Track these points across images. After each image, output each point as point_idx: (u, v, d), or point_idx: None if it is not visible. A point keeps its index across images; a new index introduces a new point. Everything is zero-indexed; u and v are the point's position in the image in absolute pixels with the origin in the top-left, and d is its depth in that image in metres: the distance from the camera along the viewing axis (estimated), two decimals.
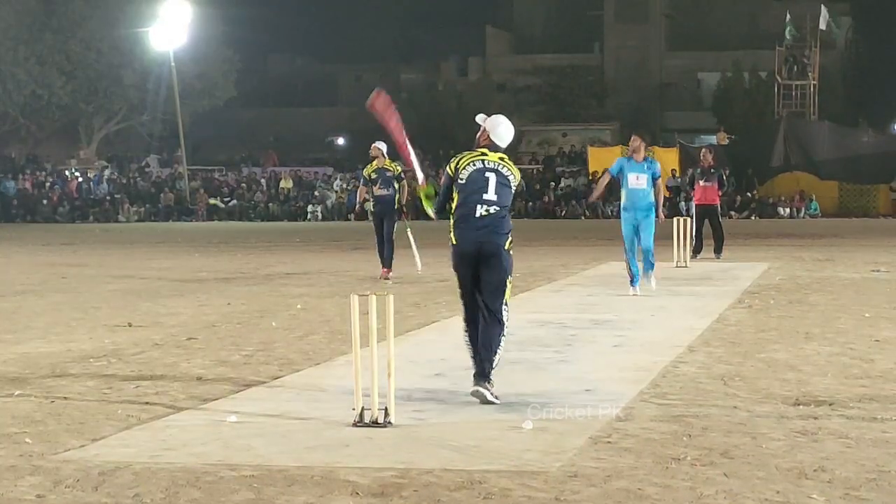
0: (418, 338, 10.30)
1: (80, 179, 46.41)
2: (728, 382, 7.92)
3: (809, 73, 47.24)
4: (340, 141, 57.56)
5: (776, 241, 25.32)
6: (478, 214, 7.40)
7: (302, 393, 7.73)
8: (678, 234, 17.57)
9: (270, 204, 43.72)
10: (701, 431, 6.40)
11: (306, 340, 10.28)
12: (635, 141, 13.90)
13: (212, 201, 44.21)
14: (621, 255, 14.26)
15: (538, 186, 42.59)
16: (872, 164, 39.86)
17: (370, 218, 16.87)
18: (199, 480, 5.52)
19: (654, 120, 54.36)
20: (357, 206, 17.37)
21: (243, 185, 45.86)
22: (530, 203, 41.13)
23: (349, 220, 39.60)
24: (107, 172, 47.11)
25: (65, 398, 7.64)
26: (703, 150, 21.89)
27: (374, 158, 16.40)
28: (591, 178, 41.55)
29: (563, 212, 40.97)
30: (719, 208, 20.50)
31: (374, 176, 16.22)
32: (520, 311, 10.73)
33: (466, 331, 7.52)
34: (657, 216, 13.83)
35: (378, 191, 16.11)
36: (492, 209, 7.41)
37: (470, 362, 7.45)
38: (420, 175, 8.44)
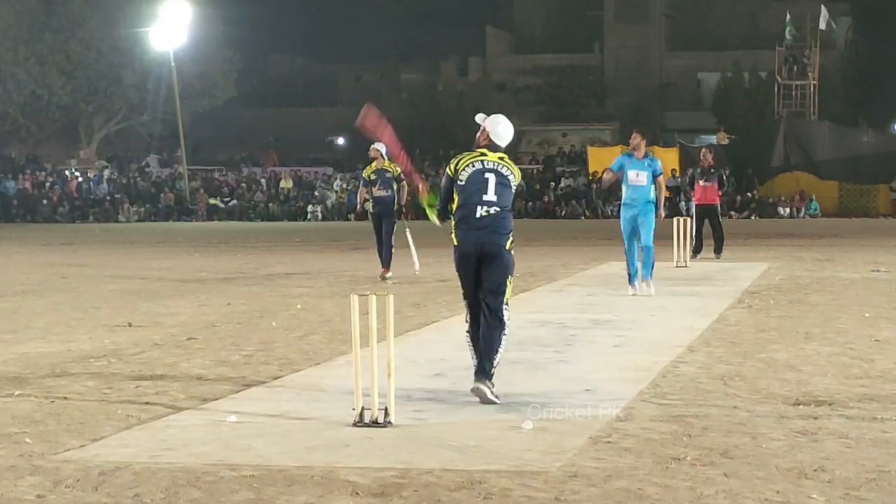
0: (418, 338, 10.30)
1: (80, 179, 46.41)
2: (728, 382, 7.92)
3: (809, 73, 47.25)
4: (340, 141, 57.57)
5: (776, 241, 25.32)
6: (478, 215, 7.40)
7: (302, 393, 7.73)
8: (678, 234, 17.57)
9: (270, 204, 43.73)
10: (701, 431, 6.40)
11: (306, 340, 10.28)
12: (636, 138, 13.88)
13: (212, 201, 44.22)
14: (621, 255, 14.26)
15: (538, 186, 42.59)
16: (872, 164, 39.87)
17: (370, 218, 16.88)
18: (199, 480, 5.52)
19: (654, 120, 54.34)
20: (358, 207, 17.38)
21: (243, 185, 45.87)
22: (530, 203, 41.12)
23: (349, 220, 39.61)
24: (107, 172, 47.11)
25: (65, 398, 7.64)
26: (703, 150, 21.89)
27: (373, 160, 16.41)
28: (591, 178, 41.57)
29: (563, 212, 40.97)
30: (719, 208, 20.51)
31: (373, 177, 16.24)
32: (520, 311, 10.73)
33: (468, 331, 7.53)
34: (657, 213, 13.81)
35: (377, 192, 16.12)
36: (492, 210, 7.41)
37: (470, 362, 7.46)
38: (421, 186, 8.41)
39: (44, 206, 44.02)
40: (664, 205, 14.17)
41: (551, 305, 12.93)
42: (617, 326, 10.91)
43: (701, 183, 19.65)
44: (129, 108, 51.16)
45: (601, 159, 37.99)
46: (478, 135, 7.71)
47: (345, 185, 43.34)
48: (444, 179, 7.73)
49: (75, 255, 23.63)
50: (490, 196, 7.42)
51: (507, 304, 7.44)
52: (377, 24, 62.68)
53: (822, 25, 47.07)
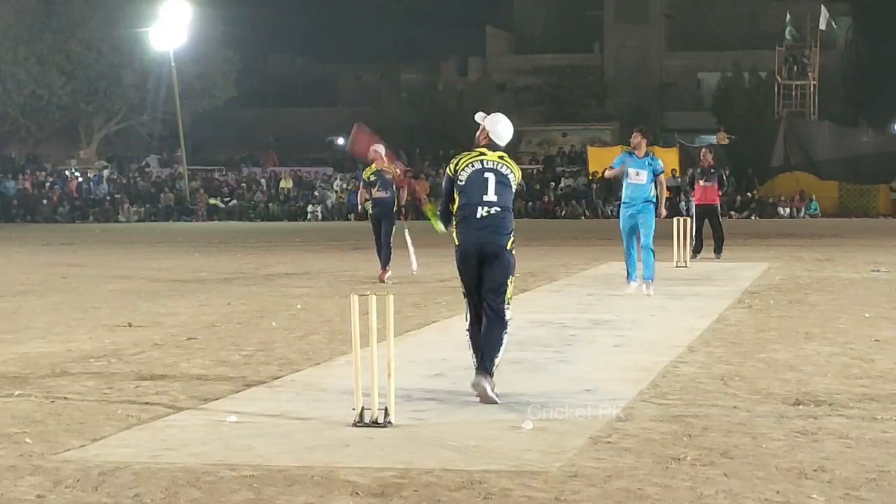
0: (418, 338, 10.30)
1: (80, 179, 46.42)
2: (728, 382, 7.91)
3: (809, 73, 47.25)
4: (340, 141, 57.49)
5: (776, 241, 25.32)
6: (479, 216, 7.40)
7: (302, 393, 7.73)
8: (678, 234, 17.57)
9: (270, 204, 43.73)
10: (701, 431, 6.40)
11: (306, 340, 10.28)
12: (636, 137, 13.88)
13: (212, 201, 44.22)
14: (621, 255, 14.26)
15: (538, 186, 42.59)
16: (872, 164, 39.88)
17: (370, 220, 16.88)
18: (199, 480, 5.52)
19: (654, 120, 54.33)
20: (359, 208, 17.41)
21: (243, 185, 45.87)
22: (530, 203, 41.13)
23: (349, 220, 39.63)
24: (107, 172, 47.11)
25: (65, 398, 7.64)
26: (703, 150, 21.90)
27: (372, 161, 16.42)
28: (590, 178, 41.59)
29: (563, 212, 40.98)
30: (719, 208, 20.51)
31: (372, 178, 16.24)
32: (520, 311, 10.73)
33: (469, 330, 7.53)
34: (658, 212, 13.80)
35: (377, 193, 16.12)
36: (492, 210, 7.41)
37: (470, 362, 7.46)
38: (423, 198, 8.42)
39: (44, 206, 44.03)
40: (664, 204, 14.16)
41: (551, 305, 12.93)
42: (617, 326, 10.91)
43: (701, 183, 19.66)
44: (129, 108, 51.17)
45: (601, 159, 37.98)
46: (477, 134, 7.71)
47: (345, 185, 43.35)
48: (444, 180, 7.74)
49: (75, 255, 23.64)
50: (490, 196, 7.42)
51: (508, 303, 7.44)
52: (377, 24, 62.68)
53: (822, 25, 47.07)
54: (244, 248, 25.42)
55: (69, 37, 48.00)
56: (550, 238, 27.22)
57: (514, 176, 7.56)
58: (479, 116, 7.78)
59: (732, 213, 37.47)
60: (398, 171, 16.66)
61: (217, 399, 7.54)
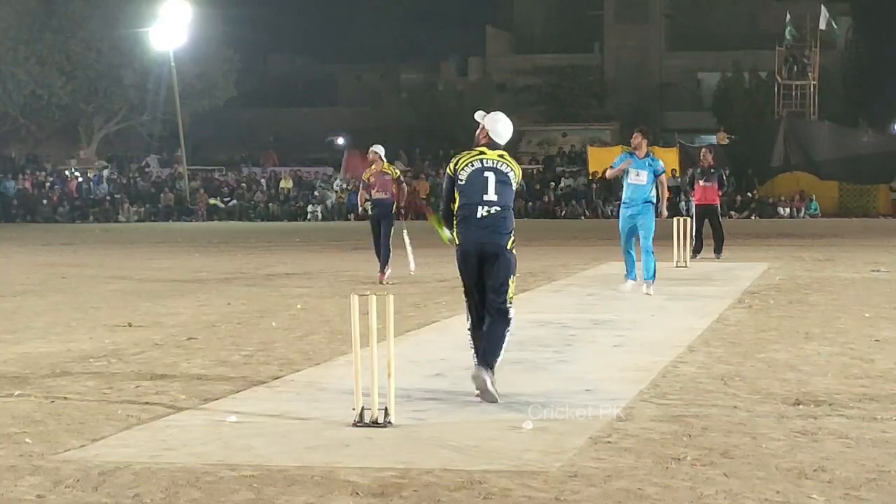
0: (418, 338, 10.30)
1: (80, 179, 46.41)
2: (728, 382, 7.91)
3: (809, 73, 47.24)
4: (340, 141, 57.57)
5: (776, 241, 25.32)
6: (479, 215, 7.41)
7: (302, 393, 7.73)
8: (678, 234, 17.57)
9: (270, 204, 43.72)
10: (701, 431, 6.40)
11: (306, 340, 10.28)
12: (637, 137, 13.88)
13: (212, 201, 44.21)
14: (621, 255, 14.25)
15: (538, 186, 42.58)
16: (872, 164, 39.86)
17: (369, 220, 16.88)
18: (199, 480, 5.52)
19: (654, 120, 54.33)
20: (359, 209, 17.42)
21: (243, 185, 45.86)
22: (530, 203, 41.12)
23: (349, 220, 39.62)
24: (107, 172, 47.10)
25: (65, 398, 7.64)
26: (703, 150, 21.90)
27: (372, 162, 16.42)
28: (590, 178, 41.58)
29: (563, 212, 40.96)
30: (719, 208, 20.52)
31: (372, 179, 16.24)
32: (520, 311, 10.67)
33: (470, 329, 7.53)
34: (658, 213, 13.79)
35: (376, 194, 16.11)
36: (493, 209, 7.41)
37: (470, 362, 7.46)
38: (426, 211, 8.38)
39: (44, 206, 44.02)
40: (664, 204, 14.15)
41: (551, 305, 12.93)
42: (617, 326, 10.92)
43: (701, 183, 19.66)
44: (129, 108, 51.16)
45: (601, 159, 38.00)
46: (477, 133, 7.71)
47: (345, 186, 43.32)
48: (444, 180, 7.74)
49: (75, 255, 23.63)
50: (490, 196, 7.42)
51: (510, 301, 7.44)
52: (377, 24, 62.67)
53: (822, 25, 47.06)
54: (244, 248, 25.42)
55: (69, 37, 48.00)
56: (550, 238, 27.22)
57: (515, 174, 7.56)
58: (478, 115, 7.78)
59: (732, 213, 37.46)
60: (398, 171, 16.67)
61: (217, 399, 7.55)
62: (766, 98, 48.96)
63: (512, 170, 7.54)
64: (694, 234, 18.94)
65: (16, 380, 8.40)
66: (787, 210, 39.34)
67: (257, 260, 21.10)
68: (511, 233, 7.45)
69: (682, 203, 33.95)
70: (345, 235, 29.65)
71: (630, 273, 13.86)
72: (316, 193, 43.94)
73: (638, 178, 13.62)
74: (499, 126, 7.65)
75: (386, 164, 16.34)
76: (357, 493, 5.26)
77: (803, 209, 39.45)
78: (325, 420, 6.79)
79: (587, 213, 40.44)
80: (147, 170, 48.69)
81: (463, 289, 7.58)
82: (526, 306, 12.13)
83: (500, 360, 7.35)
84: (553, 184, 43.02)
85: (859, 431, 6.37)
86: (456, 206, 7.51)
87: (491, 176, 7.45)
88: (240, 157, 53.13)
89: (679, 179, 36.43)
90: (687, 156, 38.00)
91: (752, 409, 6.99)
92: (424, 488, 5.33)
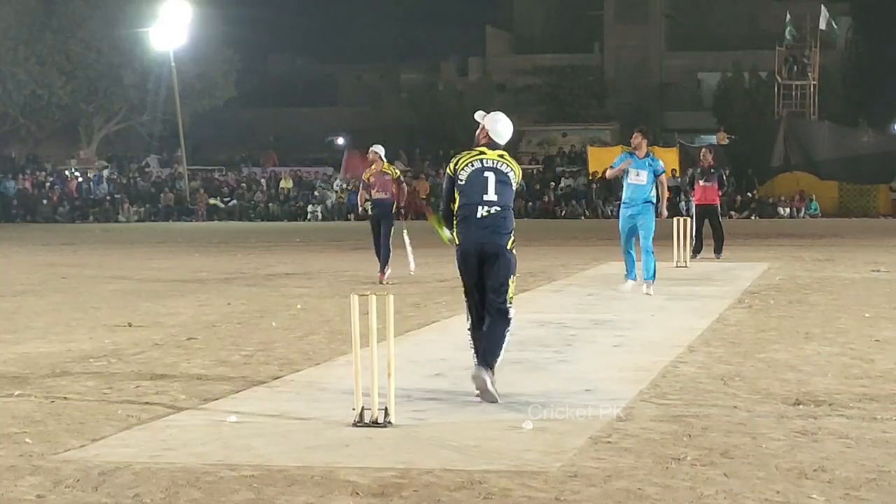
0: (418, 338, 10.30)
1: (80, 179, 46.40)
2: (728, 382, 7.91)
3: (809, 73, 47.24)
4: (340, 141, 57.57)
5: (776, 241, 25.32)
6: (479, 215, 7.41)
7: (302, 393, 7.73)
8: (678, 234, 17.57)
9: (270, 204, 43.72)
10: (701, 431, 6.40)
11: (306, 340, 10.28)
12: (637, 137, 13.88)
13: (212, 201, 44.21)
14: (621, 255, 14.26)
15: (538, 186, 42.58)
16: (872, 164, 39.86)
17: (370, 220, 16.88)
18: (199, 480, 5.52)
19: (654, 120, 54.33)
20: (359, 209, 17.43)
21: (243, 185, 45.86)
22: (530, 203, 41.13)
23: (349, 220, 39.62)
24: (107, 172, 47.10)
25: (65, 398, 7.64)
26: (703, 150, 21.90)
27: (372, 162, 16.42)
28: (590, 178, 41.58)
29: (563, 212, 40.97)
30: (719, 208, 20.52)
31: (372, 179, 16.25)
32: (520, 311, 10.68)
33: (470, 329, 7.53)
34: (658, 213, 13.79)
35: (376, 194, 16.12)
36: (493, 209, 7.41)
37: (470, 362, 7.46)
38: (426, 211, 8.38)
39: (44, 206, 44.01)
40: (665, 204, 14.14)
41: (551, 305, 12.93)
42: (617, 326, 10.92)
43: (701, 183, 19.66)
44: (129, 108, 51.15)
45: (601, 159, 38.00)
46: (477, 133, 7.71)
47: (345, 185, 43.32)
48: (444, 180, 7.74)
49: (75, 255, 23.63)
50: (490, 196, 7.42)
51: (510, 301, 7.45)
52: (377, 24, 62.68)
53: (822, 25, 47.06)
54: (244, 248, 25.42)
55: (69, 37, 47.99)
56: (550, 238, 27.21)
57: (515, 174, 7.56)
58: (478, 115, 7.78)
59: (732, 213, 37.46)
60: (398, 171, 16.68)
61: (217, 399, 7.55)
62: (766, 98, 48.95)
63: (512, 170, 7.54)
64: (694, 234, 18.94)
65: (16, 380, 8.40)
66: (787, 210, 39.34)
67: (257, 260, 21.10)
68: (511, 233, 7.45)
69: (682, 203, 33.94)
70: (345, 235, 29.65)
71: (630, 273, 13.87)
72: (316, 193, 43.94)
73: (638, 178, 13.62)
74: (499, 126, 7.65)
75: (386, 164, 16.34)
76: (357, 493, 5.26)
77: (803, 209, 39.45)
78: (325, 420, 6.79)
79: (587, 213, 40.44)
80: (147, 170, 48.69)
81: (463, 289, 7.58)
82: (526, 306, 12.13)
83: (500, 360, 7.35)
84: (553, 184, 43.02)
85: (859, 431, 6.37)
86: (456, 206, 7.51)
87: (491, 176, 7.45)
88: (240, 157, 53.13)
89: (679, 179, 36.42)
90: (687, 156, 37.99)
91: (752, 409, 6.99)
92: (424, 488, 5.33)
